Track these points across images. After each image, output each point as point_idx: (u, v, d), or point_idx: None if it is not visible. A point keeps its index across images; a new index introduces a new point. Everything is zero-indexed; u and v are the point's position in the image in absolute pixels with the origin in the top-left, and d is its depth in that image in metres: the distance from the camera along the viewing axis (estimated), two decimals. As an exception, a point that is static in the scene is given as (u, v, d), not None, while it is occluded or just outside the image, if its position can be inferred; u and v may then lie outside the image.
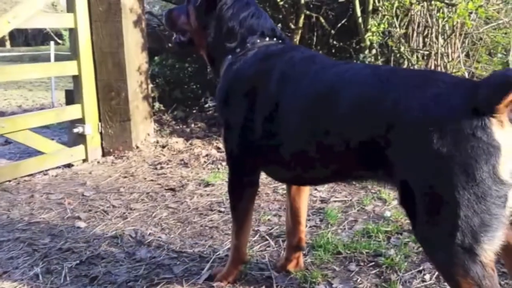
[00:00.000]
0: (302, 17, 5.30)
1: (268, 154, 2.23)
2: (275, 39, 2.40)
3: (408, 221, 3.02)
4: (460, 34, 4.97)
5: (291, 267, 2.60)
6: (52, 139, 5.30)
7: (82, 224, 3.27)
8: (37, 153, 4.66)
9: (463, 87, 1.70)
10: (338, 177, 2.25)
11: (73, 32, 4.79)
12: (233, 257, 2.49)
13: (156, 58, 6.65)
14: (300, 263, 2.62)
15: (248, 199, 2.44)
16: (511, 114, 1.62)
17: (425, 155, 1.66)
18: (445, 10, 4.76)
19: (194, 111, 6.43)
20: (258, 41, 2.36)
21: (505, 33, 5.75)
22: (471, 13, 4.80)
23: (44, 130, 6.28)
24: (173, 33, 2.72)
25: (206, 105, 6.58)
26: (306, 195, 2.62)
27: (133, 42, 4.93)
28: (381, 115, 1.78)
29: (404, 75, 1.92)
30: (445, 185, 1.62)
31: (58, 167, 4.66)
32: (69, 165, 4.74)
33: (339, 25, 5.37)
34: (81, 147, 4.87)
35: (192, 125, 5.86)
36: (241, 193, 2.42)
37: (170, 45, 6.27)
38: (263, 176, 4.07)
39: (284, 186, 3.81)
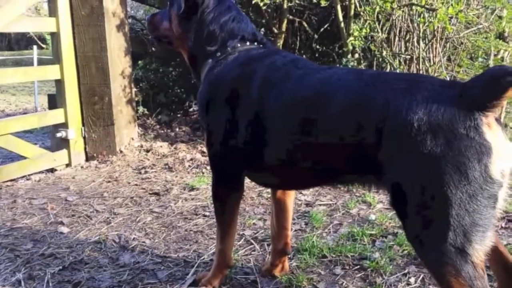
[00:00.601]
0: (285, 21, 5.33)
1: (251, 160, 2.23)
2: (256, 43, 2.39)
3: (393, 224, 3.09)
4: (441, 39, 5.02)
5: (276, 272, 2.59)
6: (35, 144, 5.25)
7: (65, 229, 3.25)
8: (20, 157, 4.61)
9: (452, 88, 1.73)
10: (323, 182, 2.26)
11: (55, 36, 4.76)
12: (218, 261, 2.47)
13: (139, 62, 6.63)
14: (285, 267, 2.62)
15: (232, 204, 2.42)
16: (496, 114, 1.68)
17: (417, 157, 1.68)
18: (426, 15, 4.82)
19: (179, 115, 6.42)
20: (239, 45, 2.35)
21: (486, 38, 5.82)
22: (451, 18, 4.87)
23: (27, 135, 6.24)
24: (154, 36, 2.74)
25: (191, 109, 6.58)
26: (292, 200, 2.62)
27: (116, 46, 4.91)
28: (370, 119, 1.79)
29: (390, 78, 1.92)
30: (438, 184, 1.64)
31: (41, 172, 4.62)
32: (52, 170, 4.70)
33: (322, 29, 5.41)
34: (64, 151, 4.83)
35: (177, 129, 5.85)
36: (225, 198, 2.39)
37: (153, 49, 6.25)
38: (248, 179, 4.10)
39: (269, 190, 3.82)
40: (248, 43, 2.37)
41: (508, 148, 1.66)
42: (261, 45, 2.40)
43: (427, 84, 1.77)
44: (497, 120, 1.69)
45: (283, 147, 2.08)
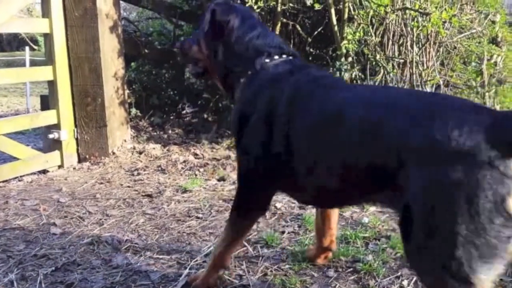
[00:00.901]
0: (279, 24, 5.33)
1: (282, 179, 2.22)
2: (284, 55, 2.38)
3: (386, 227, 3.10)
4: (435, 43, 5.06)
5: (319, 261, 2.71)
6: (27, 145, 5.22)
7: (57, 231, 3.23)
8: (12, 159, 4.59)
9: (480, 114, 1.66)
10: (353, 201, 2.24)
11: (48, 37, 4.74)
12: (215, 262, 2.46)
13: (132, 64, 6.62)
14: (328, 257, 2.73)
15: (252, 221, 2.46)
16: None
17: (431, 181, 1.62)
18: (419, 19, 4.84)
19: (172, 117, 6.41)
20: (267, 60, 2.35)
21: (479, 42, 5.87)
22: (445, 22, 4.90)
23: (19, 136, 6.20)
24: (187, 64, 2.72)
25: (184, 112, 6.57)
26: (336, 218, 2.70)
27: (109, 47, 4.90)
28: (391, 141, 1.75)
29: (412, 99, 1.88)
30: (447, 212, 1.57)
31: (33, 173, 4.59)
32: (44, 171, 4.67)
33: (316, 33, 5.42)
34: (56, 153, 4.81)
35: (170, 131, 5.84)
36: (247, 215, 2.39)
37: (146, 51, 6.24)
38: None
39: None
40: (276, 57, 2.36)
41: None
42: (289, 57, 2.39)
43: (449, 108, 1.72)
44: None
45: (311, 167, 2.07)
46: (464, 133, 1.58)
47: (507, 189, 1.51)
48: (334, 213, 2.66)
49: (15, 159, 4.55)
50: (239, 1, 5.18)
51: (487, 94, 5.58)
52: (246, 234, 2.49)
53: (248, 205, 2.38)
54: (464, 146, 1.56)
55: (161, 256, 2.85)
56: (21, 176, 4.47)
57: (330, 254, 2.73)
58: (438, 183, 1.60)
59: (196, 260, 2.78)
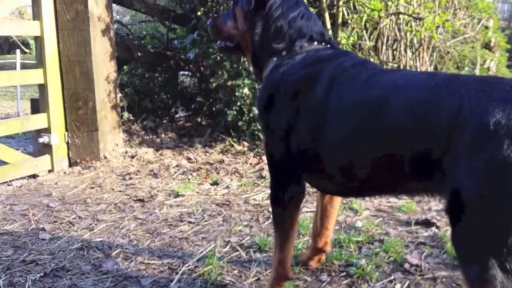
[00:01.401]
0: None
1: (312, 163, 2.10)
2: (324, 43, 2.29)
3: (379, 231, 3.08)
4: (428, 48, 5.06)
5: (312, 263, 2.69)
6: (17, 149, 5.16)
7: (46, 236, 3.18)
8: (1, 163, 4.53)
9: None
10: (386, 190, 2.11)
11: (39, 40, 4.69)
12: (277, 273, 2.34)
13: (125, 67, 6.58)
14: (321, 260, 2.70)
15: (293, 208, 2.29)
16: None
17: (488, 163, 1.54)
18: (413, 24, 4.85)
19: (164, 121, 6.37)
20: (306, 45, 2.25)
21: (472, 47, 5.89)
22: (438, 27, 4.91)
23: (9, 140, 6.14)
24: (218, 40, 2.61)
25: (177, 115, 6.54)
26: (339, 203, 2.63)
27: (101, 51, 4.86)
28: (440, 121, 1.66)
29: (463, 79, 1.76)
30: (505, 195, 1.51)
31: (23, 178, 4.54)
32: (34, 176, 4.62)
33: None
34: (46, 157, 4.75)
35: (162, 135, 5.80)
36: (285, 202, 2.26)
37: (139, 54, 6.21)
38: (234, 186, 4.07)
39: (256, 197, 3.80)
40: (316, 43, 2.27)
41: None
42: (329, 45, 2.30)
43: (505, 85, 1.64)
44: None
45: (347, 150, 1.97)
46: None
47: None
48: (334, 213, 2.60)
49: (4, 163, 4.49)
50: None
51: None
52: (294, 229, 2.32)
53: (284, 193, 2.25)
54: None
55: (152, 262, 2.81)
56: (10, 181, 4.41)
57: (323, 257, 2.69)
58: (496, 163, 1.51)
59: (188, 265, 2.74)
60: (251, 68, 4.70)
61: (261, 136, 2.32)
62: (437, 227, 3.16)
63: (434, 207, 3.50)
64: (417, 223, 3.25)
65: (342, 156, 1.99)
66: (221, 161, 4.81)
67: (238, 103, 5.35)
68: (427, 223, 3.23)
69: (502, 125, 1.52)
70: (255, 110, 5.30)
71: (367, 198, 3.72)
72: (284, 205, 2.27)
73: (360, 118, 1.90)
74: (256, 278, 2.62)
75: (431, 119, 1.69)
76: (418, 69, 5.10)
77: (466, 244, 1.64)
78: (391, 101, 1.82)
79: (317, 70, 2.11)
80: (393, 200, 3.67)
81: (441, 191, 1.75)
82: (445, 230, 3.09)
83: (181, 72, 7.35)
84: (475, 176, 1.57)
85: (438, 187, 1.75)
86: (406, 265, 2.67)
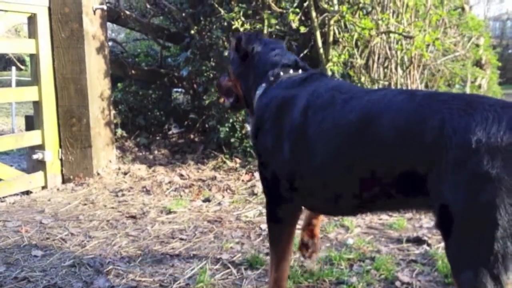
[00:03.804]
0: (266, 46, 5.37)
1: (298, 183, 2.18)
2: (300, 70, 2.47)
3: (370, 248, 3.09)
4: (419, 66, 5.12)
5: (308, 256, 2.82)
6: (11, 166, 5.17)
7: (39, 253, 3.18)
8: (-6, 179, 4.54)
9: None
10: (372, 208, 2.15)
11: (34, 57, 4.74)
12: None
13: (119, 84, 6.62)
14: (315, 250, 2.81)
15: (288, 226, 2.36)
16: None
17: (470, 179, 1.63)
18: (403, 42, 4.91)
19: (158, 138, 6.40)
20: (282, 73, 2.44)
21: (463, 65, 5.97)
22: (428, 45, 4.97)
23: (3, 157, 6.15)
24: (221, 94, 2.99)
25: (170, 132, 6.56)
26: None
27: (95, 68, 4.90)
28: (423, 140, 1.74)
29: (445, 98, 1.84)
30: (488, 208, 1.60)
31: (16, 194, 4.54)
32: (27, 192, 4.63)
33: (302, 55, 5.46)
34: (40, 173, 4.77)
35: (155, 152, 5.82)
36: (281, 220, 2.33)
37: (133, 72, 6.25)
38: (226, 203, 4.08)
39: (248, 214, 3.81)
40: (291, 71, 2.46)
41: None
42: (303, 70, 2.47)
43: (486, 105, 1.71)
44: None
45: (329, 172, 2.04)
46: (502, 129, 1.62)
47: None
48: (318, 223, 2.80)
49: (-2, 179, 4.50)
50: (225, 23, 5.23)
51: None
52: (290, 246, 2.38)
53: (279, 211, 2.33)
54: (503, 141, 1.60)
55: (143, 279, 2.81)
56: (3, 197, 4.42)
57: (315, 248, 2.80)
58: (478, 178, 1.61)
59: (179, 283, 2.74)
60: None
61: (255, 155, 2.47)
62: (428, 245, 3.17)
63: (425, 224, 3.51)
64: (408, 240, 3.26)
65: (326, 177, 2.06)
66: (213, 178, 4.84)
67: (231, 120, 5.40)
68: (418, 241, 3.24)
69: (483, 143, 1.61)
70: (247, 127, 5.35)
71: (358, 216, 3.75)
72: (279, 223, 2.34)
73: (342, 142, 1.97)
74: (246, 295, 2.62)
75: (415, 139, 1.76)
76: (409, 87, 5.15)
77: (457, 255, 1.72)
78: (374, 123, 1.88)
79: (292, 94, 2.26)
80: (384, 217, 3.69)
81: (429, 207, 1.83)
82: (437, 247, 3.10)
83: (175, 89, 7.39)
84: (460, 191, 1.66)
85: (425, 203, 1.82)
86: (397, 283, 2.67)
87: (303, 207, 2.37)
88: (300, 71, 2.47)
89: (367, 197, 1.98)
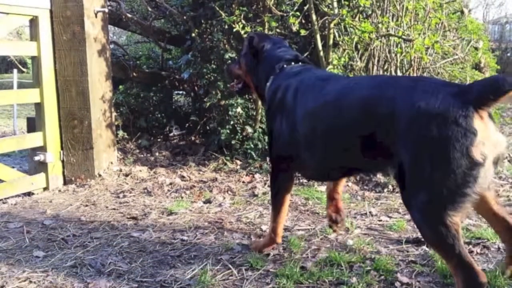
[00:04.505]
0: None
1: (293, 156, 2.81)
2: (300, 63, 3.08)
3: (370, 249, 3.11)
4: (418, 69, 5.14)
5: (336, 229, 3.36)
6: (13, 167, 5.20)
7: (40, 253, 3.20)
8: (-3, 181, 4.56)
9: (451, 87, 2.16)
10: (350, 172, 2.89)
11: (36, 60, 4.77)
12: (270, 236, 3.12)
13: (120, 86, 6.65)
14: (342, 224, 3.35)
15: (284, 191, 3.04)
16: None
17: (414, 139, 2.11)
18: (403, 45, 4.93)
19: (159, 140, 6.43)
20: (285, 65, 3.05)
21: (462, 68, 5.99)
22: (428, 48, 4.99)
23: (5, 158, 6.18)
24: (232, 81, 3.53)
25: (171, 134, 6.59)
26: (342, 185, 3.33)
27: (97, 70, 4.93)
28: (381, 111, 2.22)
29: (399, 79, 2.44)
30: (427, 161, 2.07)
31: (18, 196, 4.57)
32: (29, 194, 4.65)
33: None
34: (42, 175, 4.79)
35: (157, 154, 5.85)
36: (279, 185, 3.04)
37: (134, 74, 6.28)
38: (226, 204, 4.10)
39: (248, 215, 3.84)
40: (292, 63, 3.07)
41: (492, 136, 2.04)
42: (302, 63, 3.09)
43: (428, 82, 2.22)
44: (490, 115, 2.08)
45: (314, 144, 2.61)
46: (438, 100, 2.07)
47: (469, 141, 1.99)
48: (339, 193, 3.28)
49: (0, 181, 4.52)
50: (226, 26, 5.26)
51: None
52: (285, 206, 3.07)
53: (278, 178, 3.03)
54: (438, 109, 2.05)
55: (144, 279, 2.83)
56: (5, 199, 4.44)
57: (343, 221, 3.33)
58: (422, 139, 2.09)
59: (180, 284, 2.76)
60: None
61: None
62: (428, 246, 3.18)
63: (424, 225, 3.53)
64: (408, 241, 3.27)
65: (313, 148, 2.64)
66: (214, 179, 4.86)
67: (231, 122, 5.42)
68: (417, 242, 3.25)
69: (422, 110, 2.09)
70: (248, 129, 5.38)
71: (358, 217, 3.76)
72: (278, 187, 3.05)
73: (322, 118, 2.54)
74: (247, 295, 2.64)
75: (374, 111, 2.26)
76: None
77: (409, 200, 2.21)
78: (345, 100, 2.43)
79: (288, 83, 2.87)
80: (384, 218, 3.71)
81: (390, 165, 2.30)
82: (435, 248, 3.13)
83: (176, 92, 7.42)
84: (409, 150, 2.14)
85: (388, 163, 2.30)
86: (397, 284, 2.68)
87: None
88: (299, 63, 3.06)
89: (344, 162, 2.57)
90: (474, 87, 2.08)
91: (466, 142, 1.98)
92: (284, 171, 2.99)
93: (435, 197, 2.07)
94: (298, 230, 3.54)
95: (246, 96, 5.53)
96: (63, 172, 4.95)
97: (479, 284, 2.11)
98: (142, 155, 5.80)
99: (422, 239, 3.23)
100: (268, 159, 5.14)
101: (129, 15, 6.05)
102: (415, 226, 2.29)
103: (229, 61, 5.40)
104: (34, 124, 4.96)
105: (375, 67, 5.17)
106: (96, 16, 4.87)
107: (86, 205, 4.24)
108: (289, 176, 3.04)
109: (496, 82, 2.03)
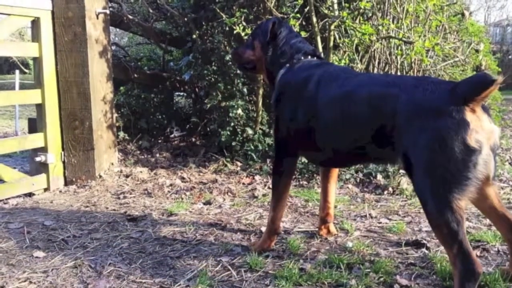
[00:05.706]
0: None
1: (306, 140, 2.93)
2: (315, 57, 3.22)
3: (370, 251, 3.12)
4: (418, 71, 5.14)
5: (323, 233, 3.44)
6: (14, 168, 5.21)
7: (41, 254, 3.21)
8: (-3, 181, 4.58)
9: (447, 85, 2.38)
10: (359, 159, 3.02)
11: (37, 61, 4.78)
12: (269, 228, 3.18)
13: (121, 88, 6.66)
14: (331, 230, 3.45)
15: (286, 178, 3.13)
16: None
17: (415, 131, 2.34)
18: (403, 47, 4.94)
19: (160, 141, 6.44)
20: (302, 58, 3.17)
21: (463, 70, 5.98)
22: (428, 50, 5.00)
23: (6, 159, 6.19)
24: (240, 66, 3.66)
25: (172, 135, 6.60)
26: (335, 181, 3.43)
27: (98, 72, 4.94)
28: (387, 106, 2.46)
29: (405, 78, 2.65)
30: (429, 150, 2.28)
31: (19, 196, 4.58)
32: (30, 194, 4.66)
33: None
34: (43, 176, 4.80)
35: (157, 155, 5.86)
36: (282, 172, 3.11)
37: (136, 75, 6.30)
38: (226, 206, 4.11)
39: (248, 217, 3.84)
40: (309, 57, 3.19)
41: (485, 126, 2.25)
42: (318, 59, 3.23)
43: (429, 81, 2.43)
44: (484, 108, 2.30)
45: (329, 131, 2.78)
46: (436, 96, 2.33)
47: (463, 130, 2.20)
48: (332, 189, 3.39)
49: (1, 181, 4.53)
50: (227, 28, 5.27)
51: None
52: (285, 195, 3.18)
53: (282, 165, 3.11)
54: (435, 104, 2.31)
55: (144, 280, 2.84)
56: (6, 199, 4.45)
57: (331, 227, 3.44)
58: (423, 131, 2.31)
59: (180, 285, 2.77)
60: (245, 90, 5.52)
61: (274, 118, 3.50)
62: (427, 248, 3.18)
63: (424, 228, 3.53)
64: (407, 243, 3.27)
65: (328, 134, 2.81)
66: (215, 181, 4.87)
67: (232, 124, 5.43)
68: (417, 244, 3.25)
69: (421, 105, 2.36)
70: (248, 131, 5.39)
71: (357, 219, 3.76)
72: (281, 174, 3.12)
73: (338, 107, 2.72)
74: (246, 296, 2.65)
75: (381, 106, 2.50)
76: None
77: (419, 187, 2.39)
78: (357, 94, 2.64)
79: (310, 73, 2.98)
80: (384, 220, 3.72)
81: (396, 155, 2.49)
82: (435, 251, 3.12)
83: (177, 93, 7.44)
84: (411, 141, 2.37)
85: (394, 153, 2.50)
86: (396, 286, 2.68)
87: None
88: (315, 58, 3.21)
89: (355, 150, 2.72)
90: (462, 84, 2.31)
91: (460, 131, 2.20)
92: (289, 155, 3.11)
93: (441, 179, 2.25)
94: (298, 231, 3.55)
95: (247, 98, 5.54)
96: (64, 173, 4.96)
97: (476, 273, 2.24)
98: (142, 156, 5.81)
99: (422, 242, 3.24)
100: (268, 160, 5.16)
101: (130, 17, 6.06)
102: (424, 209, 2.39)
103: (229, 62, 5.42)
104: (35, 125, 4.98)
105: (375, 69, 5.17)
106: (97, 18, 4.89)
107: (87, 206, 4.25)
108: (293, 160, 3.16)
109: (479, 78, 2.27)
